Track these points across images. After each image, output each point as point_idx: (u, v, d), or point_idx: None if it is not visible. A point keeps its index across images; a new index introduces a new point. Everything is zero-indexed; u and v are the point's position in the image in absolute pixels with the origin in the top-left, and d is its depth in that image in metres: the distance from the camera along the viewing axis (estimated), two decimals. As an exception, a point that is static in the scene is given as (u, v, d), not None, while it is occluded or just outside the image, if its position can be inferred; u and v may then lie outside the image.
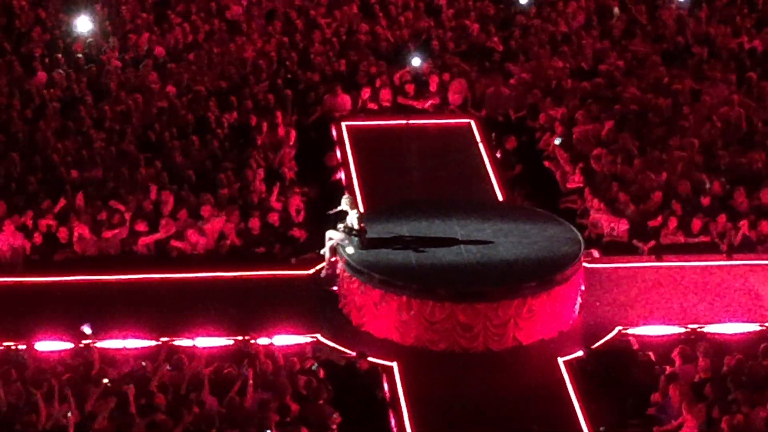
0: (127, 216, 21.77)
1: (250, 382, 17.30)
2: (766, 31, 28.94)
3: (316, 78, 27.10)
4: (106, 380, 17.25)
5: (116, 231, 21.60)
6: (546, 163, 24.50)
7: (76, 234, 21.53)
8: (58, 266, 21.32)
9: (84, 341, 18.99)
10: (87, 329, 18.97)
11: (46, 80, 26.39)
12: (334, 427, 17.25)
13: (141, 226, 21.70)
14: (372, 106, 26.77)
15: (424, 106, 26.84)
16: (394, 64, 27.54)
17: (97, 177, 22.84)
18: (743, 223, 21.95)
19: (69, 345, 18.92)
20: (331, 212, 21.10)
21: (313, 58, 27.77)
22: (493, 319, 19.54)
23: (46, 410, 16.59)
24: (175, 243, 21.67)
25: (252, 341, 19.11)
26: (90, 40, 27.72)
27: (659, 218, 22.09)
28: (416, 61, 27.10)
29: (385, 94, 26.79)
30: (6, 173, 22.95)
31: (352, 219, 20.45)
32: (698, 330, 19.90)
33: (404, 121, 26.27)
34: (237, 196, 22.58)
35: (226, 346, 19.13)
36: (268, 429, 16.65)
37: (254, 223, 21.95)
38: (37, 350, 18.59)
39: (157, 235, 21.70)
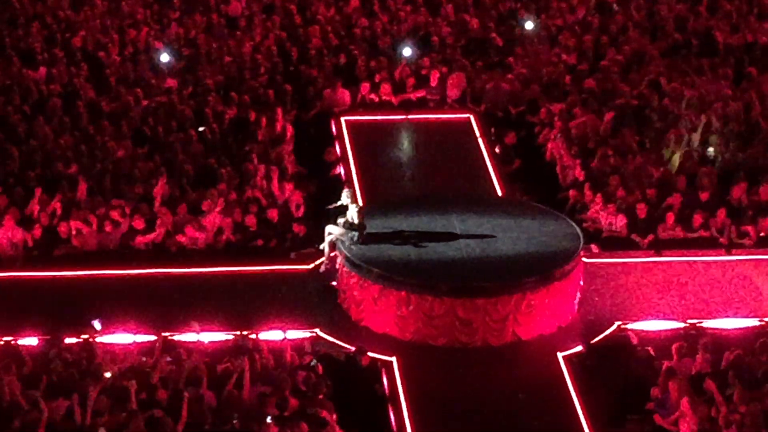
0: (128, 210, 21.78)
1: (246, 374, 17.30)
2: (765, 25, 28.95)
3: (315, 73, 27.09)
4: (108, 374, 17.26)
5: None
6: (550, 145, 24.39)
7: (74, 229, 21.49)
8: (57, 261, 21.32)
9: (83, 336, 19.00)
10: (97, 325, 18.96)
11: (45, 75, 26.37)
12: (333, 421, 17.26)
13: (138, 223, 21.68)
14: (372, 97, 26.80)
15: (422, 95, 26.83)
16: (391, 60, 27.57)
17: (95, 172, 22.85)
18: (742, 219, 21.98)
19: (71, 340, 18.92)
20: (330, 207, 21.09)
21: (312, 53, 27.76)
22: (492, 314, 19.53)
23: (46, 407, 16.58)
24: (175, 238, 21.66)
25: (251, 336, 19.13)
26: None
27: (658, 212, 22.08)
28: (407, 52, 27.09)
29: (385, 89, 26.79)
30: (5, 168, 22.94)
31: (352, 213, 20.44)
32: (697, 325, 19.91)
33: (404, 117, 26.29)
34: (236, 191, 22.57)
35: (225, 340, 19.12)
36: (267, 423, 16.66)
37: (253, 219, 21.95)
38: (36, 346, 18.63)
39: (153, 235, 21.66)
